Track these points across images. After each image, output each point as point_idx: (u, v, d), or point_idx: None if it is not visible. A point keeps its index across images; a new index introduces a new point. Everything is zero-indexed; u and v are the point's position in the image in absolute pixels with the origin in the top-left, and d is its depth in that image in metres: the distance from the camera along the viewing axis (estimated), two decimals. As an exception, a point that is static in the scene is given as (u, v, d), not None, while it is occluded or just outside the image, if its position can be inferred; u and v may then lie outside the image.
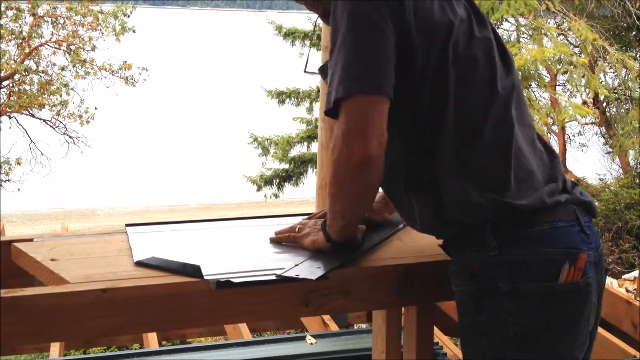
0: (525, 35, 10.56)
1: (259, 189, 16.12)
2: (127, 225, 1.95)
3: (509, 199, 1.53)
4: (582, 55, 10.02)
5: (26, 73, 15.01)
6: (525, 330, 1.51)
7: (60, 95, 15.33)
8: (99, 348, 5.86)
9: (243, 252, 1.79)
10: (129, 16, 15.63)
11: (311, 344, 3.19)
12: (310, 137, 15.55)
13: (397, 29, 1.51)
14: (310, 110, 16.22)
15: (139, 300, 1.53)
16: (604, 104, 15.09)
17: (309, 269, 1.62)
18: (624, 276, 10.95)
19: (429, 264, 1.74)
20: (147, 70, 16.35)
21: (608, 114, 15.17)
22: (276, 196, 16.30)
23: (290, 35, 16.31)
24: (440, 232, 1.68)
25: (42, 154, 15.98)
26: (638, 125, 11.49)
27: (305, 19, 16.88)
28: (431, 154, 1.56)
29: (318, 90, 3.93)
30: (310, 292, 1.62)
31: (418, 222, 1.67)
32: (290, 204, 18.89)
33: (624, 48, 12.49)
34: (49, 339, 1.55)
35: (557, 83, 14.46)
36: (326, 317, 3.62)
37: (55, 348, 3.33)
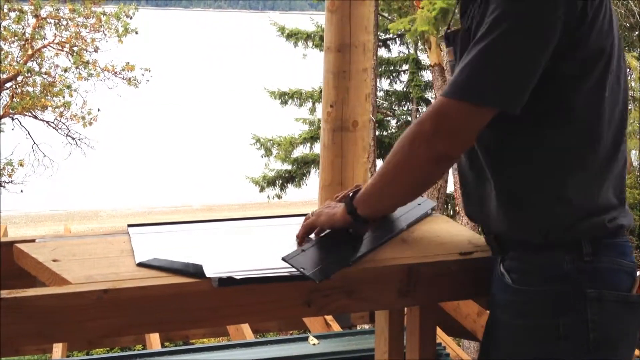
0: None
1: (262, 190, 16.14)
2: (129, 225, 1.94)
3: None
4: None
5: (29, 74, 15.04)
6: (604, 337, 1.51)
7: (63, 97, 15.35)
8: (101, 349, 5.87)
9: (245, 252, 1.79)
10: (131, 17, 15.66)
11: (314, 344, 3.18)
12: (312, 138, 15.57)
13: (566, 40, 1.46)
14: (312, 111, 16.25)
15: (140, 300, 1.53)
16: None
17: (314, 266, 1.61)
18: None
19: (432, 264, 1.73)
20: (149, 72, 16.38)
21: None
22: (279, 197, 16.32)
23: (293, 36, 16.34)
24: (519, 229, 1.61)
25: (44, 156, 16.00)
26: (638, 125, 11.48)
27: (308, 20, 16.91)
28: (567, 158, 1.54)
29: (320, 91, 3.94)
30: (312, 292, 1.62)
31: (497, 215, 1.61)
32: (293, 205, 18.90)
33: (627, 48, 12.49)
34: (50, 340, 1.54)
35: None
36: (329, 318, 3.61)
37: (57, 349, 3.33)
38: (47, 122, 15.77)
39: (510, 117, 1.48)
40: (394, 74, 17.61)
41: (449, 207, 14.68)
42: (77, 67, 15.48)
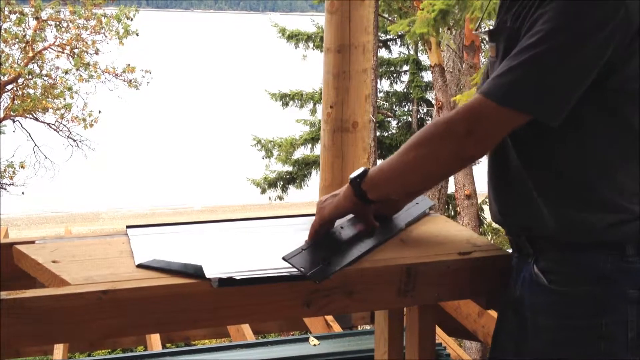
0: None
1: (263, 191, 16.15)
2: (127, 227, 1.94)
3: None
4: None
5: (30, 77, 15.06)
6: (639, 337, 1.51)
7: (64, 99, 15.37)
8: (103, 351, 5.87)
9: (245, 253, 1.79)
10: (132, 19, 15.67)
11: (314, 345, 3.19)
12: (313, 139, 15.58)
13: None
14: (313, 112, 16.26)
15: (140, 301, 1.53)
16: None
17: (314, 266, 1.62)
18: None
19: (431, 264, 1.73)
20: (150, 73, 16.39)
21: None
22: (280, 198, 16.32)
23: (294, 37, 16.35)
24: (568, 229, 1.58)
25: (46, 158, 16.01)
26: None
27: (309, 22, 16.91)
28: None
29: (321, 93, 3.93)
30: (312, 292, 1.62)
31: (543, 215, 1.58)
32: (294, 206, 18.90)
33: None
34: (50, 341, 1.55)
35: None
36: (329, 319, 3.62)
37: (58, 350, 3.33)
38: (48, 124, 15.78)
39: (566, 124, 1.49)
40: (394, 75, 17.62)
41: (450, 207, 14.68)
42: (77, 69, 15.50)
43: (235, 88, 37.54)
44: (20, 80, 15.12)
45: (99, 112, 15.76)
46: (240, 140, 20.28)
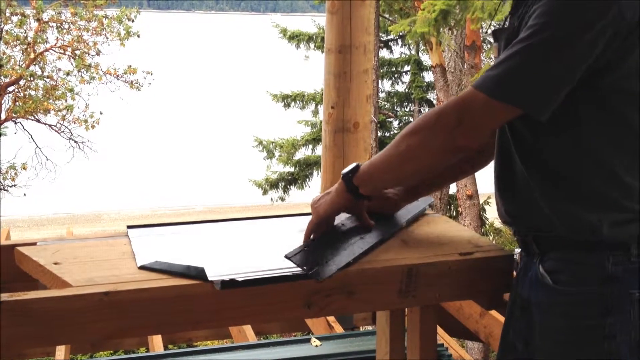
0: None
1: (265, 192, 16.14)
2: (128, 226, 1.94)
3: None
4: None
5: (31, 78, 15.06)
6: None
7: (66, 100, 15.37)
8: (105, 352, 5.87)
9: (246, 253, 1.79)
10: (133, 20, 15.68)
11: (316, 346, 3.19)
12: (315, 140, 15.57)
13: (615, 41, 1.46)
14: (315, 113, 16.25)
15: (142, 303, 1.53)
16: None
17: (316, 265, 1.62)
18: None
19: (432, 264, 1.73)
20: (151, 74, 16.40)
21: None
22: (282, 199, 16.32)
23: (295, 38, 16.34)
24: (571, 227, 1.58)
25: (47, 159, 16.02)
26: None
27: (310, 22, 16.91)
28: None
29: (322, 93, 3.94)
30: (313, 293, 1.62)
31: (547, 213, 1.59)
32: (296, 207, 18.87)
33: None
34: (52, 343, 1.54)
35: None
36: (331, 319, 3.62)
37: (60, 352, 3.33)
38: (50, 125, 15.78)
39: (559, 122, 1.51)
40: (395, 75, 17.61)
41: (452, 207, 14.67)
42: (79, 71, 15.51)
43: (236, 89, 37.53)
44: (21, 82, 15.13)
45: (101, 113, 15.77)
46: (241, 141, 20.29)
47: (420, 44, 15.48)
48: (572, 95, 1.49)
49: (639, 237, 1.52)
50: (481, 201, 12.40)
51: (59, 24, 15.49)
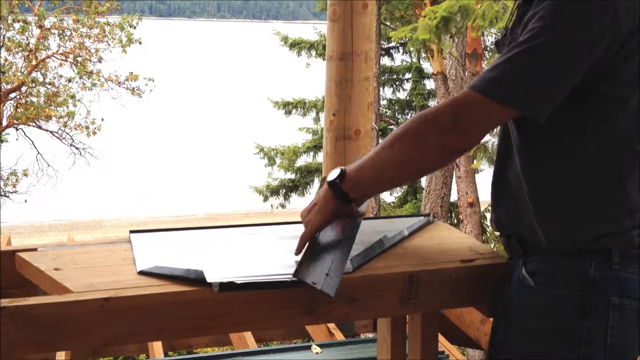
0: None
1: (266, 199, 16.14)
2: (131, 232, 1.94)
3: None
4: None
5: (33, 85, 15.08)
6: (620, 342, 1.53)
7: (67, 107, 15.39)
8: (105, 358, 5.86)
9: (246, 259, 1.79)
10: (135, 27, 15.71)
11: (317, 353, 3.18)
12: (316, 147, 15.58)
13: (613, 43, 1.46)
14: (316, 120, 16.26)
15: (142, 309, 1.53)
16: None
17: (324, 277, 1.60)
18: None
19: (433, 271, 1.73)
20: (153, 81, 16.43)
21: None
22: (283, 206, 16.31)
23: (296, 45, 16.36)
24: (553, 237, 1.59)
25: (48, 166, 16.03)
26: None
27: (311, 30, 16.94)
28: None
29: (324, 100, 3.95)
30: (313, 300, 1.62)
31: (531, 221, 1.60)
32: (296, 214, 18.81)
33: None
34: (52, 349, 1.54)
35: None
36: (332, 327, 3.61)
37: (60, 358, 3.33)
38: (51, 132, 15.79)
39: (553, 130, 1.51)
40: (397, 83, 17.62)
41: (452, 215, 14.66)
42: (80, 77, 15.53)
43: (238, 96, 37.58)
44: (23, 89, 15.15)
45: (102, 120, 15.78)
46: (242, 148, 20.29)
47: (422, 52, 15.49)
48: (565, 104, 1.49)
49: (620, 245, 1.54)
50: (482, 209, 12.39)
51: (60, 31, 15.52)
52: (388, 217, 2.60)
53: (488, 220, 14.33)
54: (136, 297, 1.52)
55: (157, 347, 3.60)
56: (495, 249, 2.33)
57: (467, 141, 1.54)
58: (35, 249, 1.84)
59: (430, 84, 16.67)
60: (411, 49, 15.28)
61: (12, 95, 15.13)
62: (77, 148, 16.10)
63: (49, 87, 15.41)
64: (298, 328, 3.92)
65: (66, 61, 15.70)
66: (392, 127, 16.98)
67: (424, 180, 14.20)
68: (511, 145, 1.64)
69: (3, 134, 14.37)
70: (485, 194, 11.47)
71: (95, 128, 15.69)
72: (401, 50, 17.25)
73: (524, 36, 1.48)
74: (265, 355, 3.16)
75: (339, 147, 3.96)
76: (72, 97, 15.35)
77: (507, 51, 1.49)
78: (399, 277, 1.69)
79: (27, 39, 15.14)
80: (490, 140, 8.67)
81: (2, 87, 14.53)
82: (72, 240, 6.67)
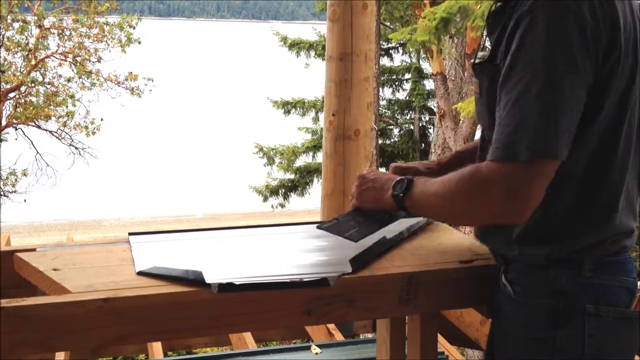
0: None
1: (265, 199, 16.15)
2: (130, 234, 1.94)
3: (619, 222, 1.55)
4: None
5: (32, 85, 15.08)
6: (599, 351, 1.53)
7: (67, 107, 15.39)
8: (105, 359, 5.86)
9: (245, 260, 1.79)
10: (134, 27, 15.71)
11: (316, 353, 3.18)
12: (315, 147, 15.59)
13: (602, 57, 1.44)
14: (315, 120, 16.27)
15: (141, 309, 1.53)
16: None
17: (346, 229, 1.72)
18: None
19: (433, 272, 1.73)
20: (152, 81, 16.42)
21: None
22: (282, 206, 16.32)
23: (296, 46, 16.37)
24: (522, 252, 1.60)
25: (48, 165, 16.03)
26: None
27: (311, 30, 16.94)
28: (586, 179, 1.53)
29: (323, 100, 3.94)
30: (313, 300, 1.62)
31: (502, 236, 1.62)
32: (296, 214, 18.91)
33: None
34: (51, 349, 1.54)
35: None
36: (331, 327, 3.61)
37: (60, 359, 3.33)
38: (51, 131, 15.79)
39: None
40: (396, 83, 17.64)
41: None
42: (80, 77, 15.52)
43: (237, 96, 37.59)
44: (22, 88, 15.14)
45: (101, 119, 15.78)
46: (242, 147, 20.30)
47: (421, 52, 15.50)
48: None
49: (592, 255, 1.53)
50: (482, 209, 12.39)
51: (60, 31, 15.52)
52: (388, 217, 2.58)
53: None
54: (135, 297, 1.52)
55: (156, 347, 3.60)
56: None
57: (519, 216, 1.46)
58: (34, 249, 1.83)
59: (429, 84, 16.69)
60: (410, 49, 15.29)
61: (12, 94, 15.12)
62: (76, 148, 16.10)
63: (48, 86, 15.41)
64: (297, 328, 3.92)
65: (65, 61, 15.69)
66: (391, 127, 17.00)
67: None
68: None
69: (2, 133, 14.37)
70: (484, 195, 11.45)
71: (94, 128, 15.68)
72: (401, 51, 17.26)
73: (518, 84, 1.42)
74: (264, 355, 3.15)
75: (339, 147, 3.96)
76: (72, 96, 15.35)
77: (510, 107, 1.43)
78: (399, 278, 1.69)
79: (27, 39, 15.14)
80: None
81: (2, 87, 14.53)
82: (71, 240, 6.67)
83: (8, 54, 14.97)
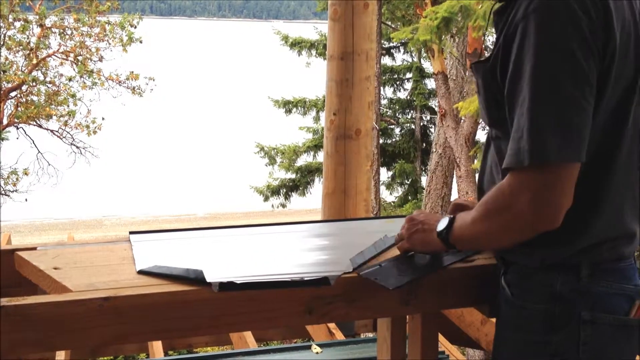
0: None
1: (266, 199, 16.15)
2: (130, 233, 1.94)
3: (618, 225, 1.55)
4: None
5: (34, 84, 15.09)
6: (595, 357, 1.52)
7: (68, 106, 15.39)
8: (105, 358, 5.86)
9: (246, 259, 1.79)
10: (136, 27, 15.71)
11: (317, 352, 3.18)
12: (316, 147, 15.59)
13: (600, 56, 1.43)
14: (316, 119, 16.26)
15: (141, 308, 1.53)
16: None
17: (386, 275, 1.63)
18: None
19: (434, 271, 1.72)
20: (154, 80, 16.42)
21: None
22: (283, 206, 16.32)
23: (297, 45, 16.37)
24: (518, 255, 1.60)
25: (49, 164, 16.04)
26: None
27: (312, 29, 16.94)
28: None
29: (324, 100, 3.94)
30: (313, 299, 1.62)
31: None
32: (297, 213, 18.89)
33: None
34: (51, 348, 1.54)
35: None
36: (332, 326, 3.61)
37: (60, 358, 3.33)
38: (52, 131, 15.80)
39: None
40: (397, 82, 17.64)
41: (453, 215, 14.65)
42: (81, 76, 15.53)
43: (238, 95, 37.58)
44: (24, 87, 15.15)
45: (103, 119, 15.79)
46: (243, 147, 20.30)
47: (422, 51, 15.50)
48: None
49: (588, 260, 1.53)
50: (482, 209, 12.39)
51: (61, 30, 15.53)
52: (388, 217, 2.59)
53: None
54: (136, 296, 1.52)
55: (156, 346, 3.60)
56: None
57: (551, 221, 1.44)
58: (34, 248, 1.84)
59: (431, 84, 16.68)
60: (412, 48, 15.28)
61: (13, 94, 15.13)
62: (77, 147, 16.11)
63: (50, 86, 15.42)
64: (298, 328, 3.91)
65: (67, 60, 15.70)
66: (392, 126, 16.98)
67: (424, 180, 14.21)
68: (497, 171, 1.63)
69: (4, 132, 14.38)
70: (485, 194, 11.44)
71: (95, 127, 15.69)
72: (402, 50, 17.26)
73: (526, 84, 1.41)
74: (265, 355, 3.15)
75: (340, 147, 3.96)
76: (73, 96, 15.36)
77: (520, 113, 1.42)
78: (399, 277, 1.69)
79: (28, 38, 15.15)
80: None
81: (3, 86, 14.53)
82: (72, 239, 6.66)
83: (9, 53, 14.98)
